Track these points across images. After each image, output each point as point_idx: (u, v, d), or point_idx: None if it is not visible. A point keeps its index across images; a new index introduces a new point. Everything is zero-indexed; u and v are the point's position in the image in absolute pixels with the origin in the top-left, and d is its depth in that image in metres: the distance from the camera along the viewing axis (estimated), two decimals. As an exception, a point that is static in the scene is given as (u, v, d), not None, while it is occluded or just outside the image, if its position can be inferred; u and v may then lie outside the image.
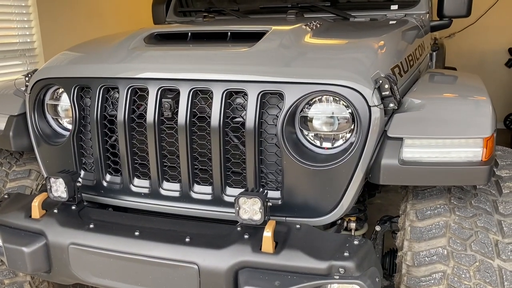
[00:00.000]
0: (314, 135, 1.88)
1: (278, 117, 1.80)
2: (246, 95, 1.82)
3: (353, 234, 2.23)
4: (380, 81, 1.75)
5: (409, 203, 1.96)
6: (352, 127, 1.82)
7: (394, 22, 2.72)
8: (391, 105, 1.76)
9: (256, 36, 2.09)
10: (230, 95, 1.88)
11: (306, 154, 1.85)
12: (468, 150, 1.69)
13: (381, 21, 2.70)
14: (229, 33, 2.21)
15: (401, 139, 1.73)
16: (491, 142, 1.70)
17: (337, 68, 1.79)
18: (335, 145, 1.87)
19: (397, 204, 2.15)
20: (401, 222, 1.96)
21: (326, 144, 1.88)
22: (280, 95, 1.81)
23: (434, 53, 3.19)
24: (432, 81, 2.20)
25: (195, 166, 1.96)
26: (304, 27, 2.19)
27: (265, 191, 1.81)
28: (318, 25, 2.31)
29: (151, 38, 2.28)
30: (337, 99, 1.80)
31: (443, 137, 1.70)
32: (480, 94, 1.89)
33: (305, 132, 1.87)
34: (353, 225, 2.23)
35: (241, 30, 2.21)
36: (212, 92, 1.86)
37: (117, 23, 5.34)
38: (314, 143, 1.89)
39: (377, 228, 2.29)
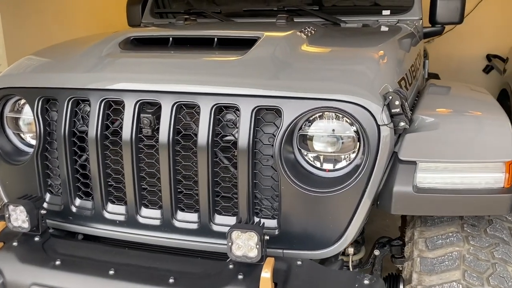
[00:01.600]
0: (315, 156, 1.66)
1: (275, 136, 1.58)
2: (239, 110, 1.58)
3: (351, 259, 2.02)
4: (390, 97, 1.54)
5: (416, 230, 1.76)
6: (357, 147, 1.61)
7: (388, 28, 2.53)
8: (402, 123, 1.55)
9: (245, 43, 1.85)
10: (219, 111, 1.63)
11: (307, 178, 1.63)
12: (489, 175, 1.50)
13: (375, 28, 2.51)
14: (215, 39, 1.97)
15: (414, 163, 1.53)
16: (513, 166, 1.52)
17: (341, 82, 1.57)
18: (338, 167, 1.66)
19: (394, 221, 1.96)
20: (408, 251, 1.76)
21: (328, 166, 1.66)
22: (278, 111, 1.58)
23: (427, 60, 3.03)
24: (440, 95, 2.01)
25: (179, 190, 1.71)
26: (299, 33, 1.96)
27: (262, 222, 1.58)
28: (313, 31, 2.09)
29: (127, 43, 2.01)
30: (340, 115, 1.58)
31: (461, 161, 1.50)
32: (496, 111, 1.71)
33: (305, 153, 1.65)
34: (351, 250, 2.02)
35: (228, 36, 1.96)
36: (199, 107, 1.61)
37: (89, 24, 4.99)
38: (315, 165, 1.66)
39: (376, 252, 2.09)
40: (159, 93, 1.64)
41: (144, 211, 1.75)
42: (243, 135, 1.57)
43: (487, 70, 6.48)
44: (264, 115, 1.61)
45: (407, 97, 1.59)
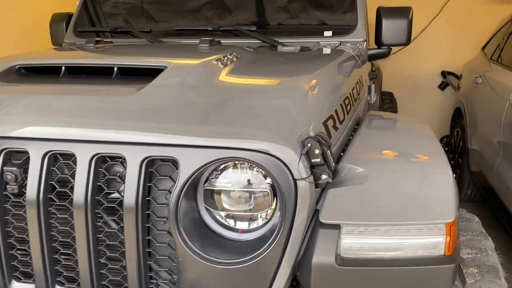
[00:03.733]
0: (226, 215, 1.35)
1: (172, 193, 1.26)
2: (126, 161, 1.26)
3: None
4: (309, 144, 1.25)
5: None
6: (274, 205, 1.31)
7: (328, 52, 2.27)
8: (324, 176, 1.27)
9: (152, 74, 1.54)
10: (103, 161, 1.31)
11: (214, 243, 1.32)
12: (427, 240, 1.22)
13: (313, 52, 2.24)
14: (115, 69, 1.64)
15: (338, 226, 1.24)
16: (455, 228, 1.24)
17: (249, 126, 1.27)
18: (253, 226, 1.36)
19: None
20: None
21: (242, 225, 1.36)
22: (174, 163, 1.27)
23: (373, 84, 2.79)
24: (376, 133, 1.73)
25: (57, 261, 1.37)
26: (215, 62, 1.66)
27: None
28: (235, 59, 1.79)
29: (11, 72, 1.66)
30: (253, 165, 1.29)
31: (392, 223, 1.22)
32: (437, 158, 1.44)
33: (212, 211, 1.34)
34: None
35: (131, 65, 1.64)
36: (75, 157, 1.28)
37: (18, 43, 4.56)
38: (227, 224, 1.36)
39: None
40: (26, 140, 1.30)
41: (15, 285, 1.39)
42: (129, 192, 1.25)
43: (442, 86, 6.39)
44: (159, 168, 1.29)
45: (330, 143, 1.30)
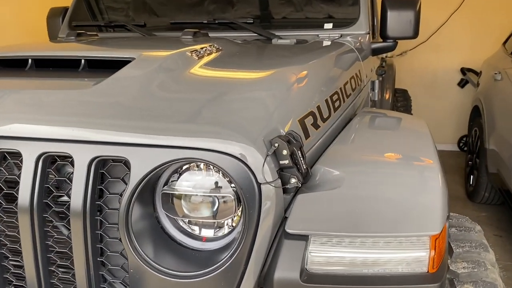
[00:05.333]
0: (188, 221, 1.21)
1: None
2: (74, 161, 1.14)
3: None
4: (276, 144, 1.10)
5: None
6: (240, 211, 1.16)
7: (324, 45, 2.10)
8: (293, 180, 1.11)
9: (122, 66, 1.41)
10: (53, 161, 1.19)
11: (174, 253, 1.18)
12: (408, 255, 1.05)
13: (306, 45, 2.07)
14: (82, 61, 1.52)
15: (305, 237, 1.08)
16: (442, 242, 1.07)
17: (208, 123, 1.13)
18: (219, 234, 1.21)
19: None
20: None
21: (207, 233, 1.22)
22: (126, 164, 1.13)
23: (377, 81, 2.60)
24: (360, 133, 1.55)
25: (6, 269, 1.25)
26: (189, 54, 1.52)
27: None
28: (215, 50, 1.65)
29: (-22, 65, 1.56)
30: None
31: (368, 235, 1.06)
32: (426, 160, 1.26)
33: (173, 216, 1.20)
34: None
35: (97, 57, 1.52)
36: (21, 156, 1.16)
37: (21, 38, 4.54)
38: (191, 231, 1.22)
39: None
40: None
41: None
42: (76, 195, 1.12)
43: (462, 84, 6.10)
44: (111, 169, 1.16)
45: (302, 142, 1.14)
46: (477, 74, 5.29)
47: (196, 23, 2.57)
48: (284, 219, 1.13)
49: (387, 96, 4.01)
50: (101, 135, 1.11)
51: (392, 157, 1.27)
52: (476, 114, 4.55)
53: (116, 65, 1.43)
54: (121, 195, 1.14)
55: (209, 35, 2.16)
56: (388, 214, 1.07)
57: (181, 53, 1.50)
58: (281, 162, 1.11)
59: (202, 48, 1.61)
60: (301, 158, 1.12)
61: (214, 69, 1.48)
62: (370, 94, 2.46)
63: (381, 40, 2.56)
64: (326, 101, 1.48)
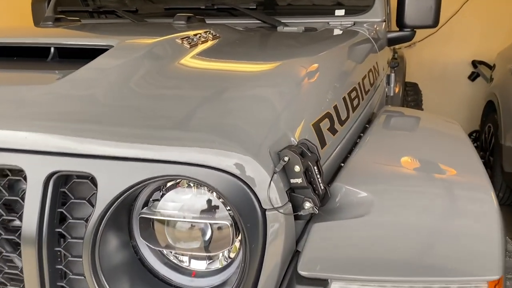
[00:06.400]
0: (174, 253, 0.96)
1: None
2: (27, 177, 0.88)
3: None
4: (286, 158, 0.84)
5: None
6: (239, 240, 0.91)
7: (336, 34, 1.84)
8: (308, 204, 0.86)
9: (98, 55, 1.15)
10: (4, 175, 0.93)
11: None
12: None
13: (316, 33, 1.80)
14: (52, 50, 1.26)
15: (324, 282, 0.82)
16: (502, 288, 0.81)
17: (195, 130, 0.86)
18: (213, 268, 0.96)
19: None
20: None
21: (199, 266, 0.97)
22: (94, 181, 0.88)
23: (393, 74, 2.33)
24: (387, 138, 1.27)
25: None
26: (179, 41, 1.25)
27: None
28: (212, 38, 1.39)
29: None
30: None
31: (409, 279, 0.80)
32: (473, 171, 0.99)
33: (154, 247, 0.95)
34: None
35: (70, 45, 1.25)
36: (-37, 171, 0.91)
37: (14, 21, 4.29)
38: (179, 264, 0.97)
39: None
40: None
41: None
42: (29, 219, 0.87)
43: (472, 77, 5.82)
44: (74, 187, 0.90)
45: (319, 155, 0.88)
46: (490, 67, 5.02)
47: (193, 8, 2.30)
48: (296, 253, 0.88)
49: (397, 90, 3.75)
50: (61, 144, 0.86)
51: (433, 172, 1.01)
52: (490, 109, 4.30)
53: (92, 54, 1.17)
54: (87, 220, 0.88)
55: (207, 22, 1.90)
56: (432, 252, 0.81)
57: (169, 40, 1.23)
58: (292, 181, 0.85)
59: (195, 35, 1.34)
60: (318, 176, 0.87)
61: (209, 60, 1.22)
62: (386, 89, 2.19)
63: (397, 29, 2.30)
64: (344, 99, 1.22)
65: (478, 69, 5.69)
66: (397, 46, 4.65)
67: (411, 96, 4.25)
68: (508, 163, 3.55)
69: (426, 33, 5.63)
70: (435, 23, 2.23)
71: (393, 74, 2.29)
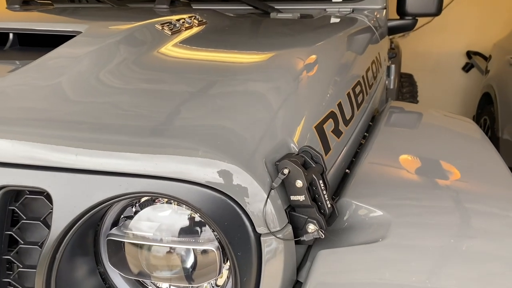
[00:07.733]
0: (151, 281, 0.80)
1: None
2: (-30, 193, 0.71)
3: None
4: (286, 171, 0.68)
5: None
6: (227, 269, 0.75)
7: (337, 21, 1.67)
8: (312, 227, 0.70)
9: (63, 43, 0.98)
10: None
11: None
12: None
13: (313, 20, 1.63)
14: (11, 36, 1.08)
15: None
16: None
17: (171, 135, 0.70)
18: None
19: None
20: None
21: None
22: (48, 197, 0.71)
23: (393, 65, 2.18)
24: (399, 141, 1.09)
25: None
26: (159, 27, 1.08)
27: None
28: (197, 24, 1.21)
29: None
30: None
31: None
32: (501, 179, 0.84)
33: (124, 274, 0.78)
34: None
35: (32, 31, 1.07)
36: None
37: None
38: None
39: None
40: None
41: None
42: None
43: (466, 68, 5.69)
44: (27, 205, 0.74)
45: (325, 165, 0.72)
46: (485, 58, 4.90)
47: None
48: (297, 284, 0.72)
49: (396, 84, 3.61)
50: (9, 153, 0.69)
51: (457, 183, 0.85)
52: (486, 101, 4.18)
53: (58, 42, 1.00)
54: (41, 245, 0.72)
55: (193, 7, 1.72)
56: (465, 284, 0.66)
57: (147, 26, 1.06)
58: (292, 198, 0.69)
59: (179, 20, 1.16)
60: (324, 191, 0.71)
61: (193, 49, 1.05)
62: (386, 82, 2.04)
63: (398, 18, 2.15)
64: (348, 95, 1.06)
65: (472, 60, 5.57)
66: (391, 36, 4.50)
67: (406, 87, 4.11)
68: (505, 156, 3.44)
69: (420, 22, 5.48)
70: (438, 11, 2.09)
71: (393, 66, 2.14)
